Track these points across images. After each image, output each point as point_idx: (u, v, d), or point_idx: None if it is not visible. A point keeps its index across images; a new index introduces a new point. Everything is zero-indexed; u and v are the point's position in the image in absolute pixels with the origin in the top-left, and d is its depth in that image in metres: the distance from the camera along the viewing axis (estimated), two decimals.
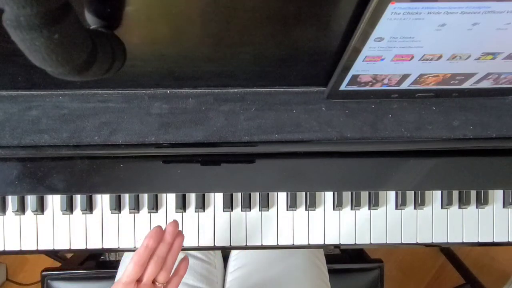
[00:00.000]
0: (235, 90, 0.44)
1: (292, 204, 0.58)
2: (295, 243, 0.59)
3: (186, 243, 0.59)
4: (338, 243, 0.59)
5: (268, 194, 0.58)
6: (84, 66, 0.28)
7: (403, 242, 0.59)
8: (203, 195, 0.58)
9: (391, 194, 0.59)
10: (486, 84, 0.41)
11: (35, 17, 0.21)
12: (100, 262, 1.07)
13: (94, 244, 0.58)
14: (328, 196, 0.59)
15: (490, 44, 0.32)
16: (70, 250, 0.59)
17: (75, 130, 0.44)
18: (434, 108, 0.45)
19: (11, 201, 0.58)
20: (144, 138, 0.44)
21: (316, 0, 0.30)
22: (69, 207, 0.58)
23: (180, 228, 0.59)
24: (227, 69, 0.40)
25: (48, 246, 0.58)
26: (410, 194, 0.59)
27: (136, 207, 0.58)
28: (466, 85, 0.41)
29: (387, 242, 0.59)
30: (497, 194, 0.60)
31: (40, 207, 0.58)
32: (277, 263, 0.70)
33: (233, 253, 0.76)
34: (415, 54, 0.33)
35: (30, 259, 1.34)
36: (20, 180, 0.49)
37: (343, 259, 0.91)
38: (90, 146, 0.44)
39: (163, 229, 0.46)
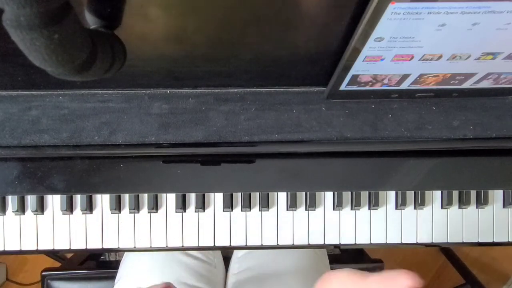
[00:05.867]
0: (235, 90, 0.44)
1: (292, 204, 0.58)
2: (295, 243, 0.59)
3: (186, 243, 0.59)
4: (338, 243, 0.59)
5: (268, 194, 0.58)
6: (84, 66, 0.28)
7: (403, 242, 0.59)
8: (203, 195, 0.58)
9: (391, 194, 0.59)
10: (486, 84, 0.41)
11: (35, 17, 0.21)
12: (100, 262, 1.07)
13: (94, 244, 0.58)
14: (328, 196, 0.59)
15: (490, 44, 0.32)
16: (70, 250, 0.59)
17: (75, 130, 0.44)
18: (434, 108, 0.45)
19: (11, 201, 0.58)
20: (144, 138, 0.44)
21: (316, 0, 0.30)
22: (69, 207, 0.58)
23: (179, 228, 0.59)
24: (227, 69, 0.40)
25: (48, 246, 0.58)
26: (410, 194, 0.59)
27: (136, 207, 0.58)
28: (466, 85, 0.41)
29: (387, 242, 0.59)
30: (497, 194, 0.60)
31: (40, 207, 0.58)
32: (284, 269, 0.69)
33: (237, 254, 0.76)
34: (415, 54, 0.33)
35: (30, 259, 1.34)
36: (20, 180, 0.49)
37: (343, 259, 0.91)
38: (90, 146, 0.44)
39: None
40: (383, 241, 0.59)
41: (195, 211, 0.59)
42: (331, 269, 0.76)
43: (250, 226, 0.59)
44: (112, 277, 0.76)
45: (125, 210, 0.58)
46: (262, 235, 0.59)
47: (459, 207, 0.59)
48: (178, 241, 0.59)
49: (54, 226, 0.58)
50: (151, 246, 0.59)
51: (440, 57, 0.34)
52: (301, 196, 0.59)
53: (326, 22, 0.32)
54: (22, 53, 0.24)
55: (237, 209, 0.59)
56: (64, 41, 0.24)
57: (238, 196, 0.59)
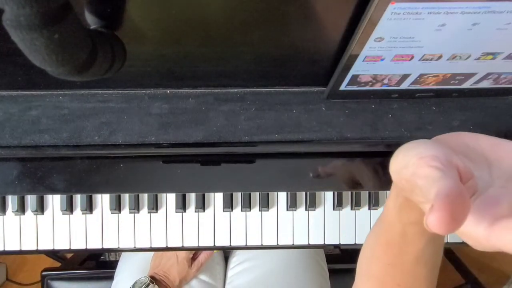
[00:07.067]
0: (235, 90, 0.44)
1: (292, 204, 0.58)
2: (295, 243, 0.59)
3: (186, 243, 0.59)
4: (338, 243, 0.59)
5: (268, 194, 0.58)
6: (84, 66, 0.28)
7: None
8: (203, 195, 0.58)
9: None
10: (486, 84, 0.41)
11: (35, 17, 0.21)
12: (100, 262, 1.07)
13: (94, 244, 0.58)
14: (328, 196, 0.59)
15: (490, 44, 0.32)
16: (70, 250, 0.59)
17: (75, 130, 0.43)
18: (434, 108, 0.45)
19: (11, 201, 0.58)
20: (144, 138, 0.44)
21: (316, 0, 0.30)
22: (69, 207, 0.58)
23: (179, 228, 0.59)
24: (227, 69, 0.40)
25: (48, 246, 0.58)
26: None
27: (136, 207, 0.58)
28: (466, 85, 0.41)
29: None
30: None
31: (40, 207, 0.58)
32: (278, 259, 0.70)
33: (234, 250, 0.77)
34: (415, 54, 0.33)
35: (30, 259, 1.34)
36: (20, 180, 0.49)
37: (343, 259, 0.91)
38: (90, 146, 0.44)
39: None
40: None
41: (195, 211, 0.59)
42: (329, 268, 0.77)
43: (250, 226, 0.59)
44: (112, 277, 0.76)
45: (125, 210, 0.58)
46: (262, 235, 0.59)
47: None
48: (178, 241, 0.59)
49: (54, 226, 0.58)
50: (151, 246, 0.59)
51: (440, 57, 0.34)
52: (301, 196, 0.59)
53: (326, 22, 0.32)
54: (22, 53, 0.24)
55: (237, 209, 0.59)
56: (64, 41, 0.24)
57: (238, 196, 0.59)
